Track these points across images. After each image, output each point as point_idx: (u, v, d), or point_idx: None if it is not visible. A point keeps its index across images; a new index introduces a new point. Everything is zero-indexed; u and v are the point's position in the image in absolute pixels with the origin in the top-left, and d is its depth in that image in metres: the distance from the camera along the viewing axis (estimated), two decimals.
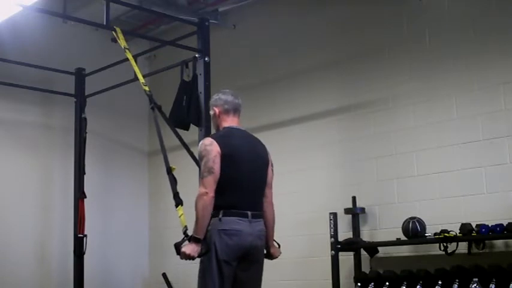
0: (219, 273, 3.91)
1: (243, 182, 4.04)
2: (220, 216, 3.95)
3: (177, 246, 3.95)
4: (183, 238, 4.02)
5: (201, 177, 3.97)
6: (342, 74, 6.63)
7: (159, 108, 5.40)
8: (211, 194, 3.89)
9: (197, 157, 4.23)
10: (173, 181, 4.64)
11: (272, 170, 4.30)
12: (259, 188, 4.18)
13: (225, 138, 4.10)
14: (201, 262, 4.01)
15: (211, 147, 3.99)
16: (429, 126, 5.91)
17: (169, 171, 4.71)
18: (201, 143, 4.12)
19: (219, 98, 4.30)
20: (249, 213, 4.02)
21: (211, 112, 4.32)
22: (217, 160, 3.95)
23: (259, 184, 4.18)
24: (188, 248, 3.90)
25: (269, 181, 4.25)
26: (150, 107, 5.38)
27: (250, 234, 4.00)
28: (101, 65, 7.08)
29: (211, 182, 3.91)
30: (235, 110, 4.28)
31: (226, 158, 3.98)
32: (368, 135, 6.34)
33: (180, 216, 4.28)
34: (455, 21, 5.88)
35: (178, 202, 4.46)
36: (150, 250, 8.30)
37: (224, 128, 4.22)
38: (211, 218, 3.94)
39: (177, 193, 4.52)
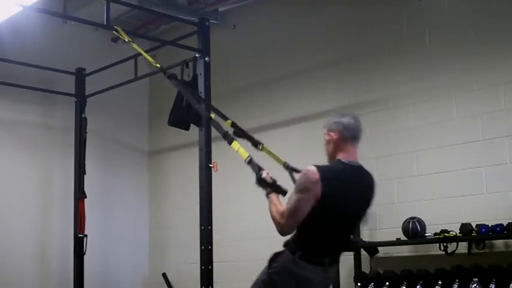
0: None
1: (335, 229, 3.55)
2: (296, 257, 3.49)
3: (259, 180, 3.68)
4: (256, 168, 3.74)
5: (287, 208, 3.46)
6: (342, 74, 6.63)
7: (175, 77, 5.35)
8: (285, 235, 3.50)
9: (295, 182, 3.69)
10: (217, 125, 4.45)
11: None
12: (349, 235, 3.75)
13: (334, 175, 3.48)
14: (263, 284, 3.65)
15: (313, 185, 3.40)
16: (429, 126, 5.91)
17: (210, 118, 4.61)
18: (306, 171, 3.47)
19: (339, 122, 3.62)
20: (327, 260, 3.56)
21: (326, 137, 3.67)
22: (309, 206, 3.41)
23: (350, 232, 3.77)
24: (261, 186, 3.66)
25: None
26: (166, 76, 5.28)
27: (319, 283, 3.59)
28: (101, 65, 7.09)
29: (291, 224, 3.45)
30: (356, 138, 3.61)
31: (325, 200, 3.42)
32: (368, 135, 6.31)
33: (238, 150, 4.00)
34: (455, 21, 5.88)
35: (231, 138, 4.21)
36: (150, 250, 8.30)
37: (338, 161, 3.58)
38: (285, 248, 3.56)
39: (226, 132, 4.30)
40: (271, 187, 3.65)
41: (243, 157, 3.84)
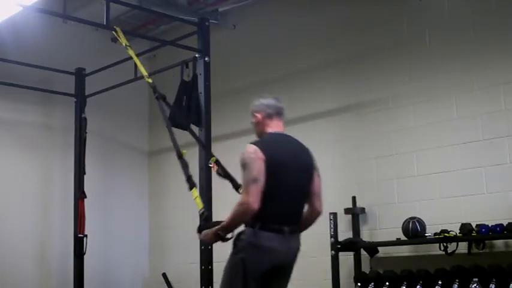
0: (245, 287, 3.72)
1: (285, 194, 3.76)
2: (256, 229, 3.70)
3: (201, 228, 3.88)
4: (203, 223, 3.94)
5: (245, 185, 3.69)
6: (342, 74, 6.63)
7: (164, 98, 5.39)
8: (255, 205, 3.62)
9: (240, 165, 3.81)
10: (185, 165, 4.53)
11: (319, 176, 3.99)
12: (302, 198, 3.91)
13: (269, 145, 3.80)
14: (227, 272, 3.80)
15: (255, 155, 3.69)
16: (429, 126, 5.91)
17: (180, 155, 4.62)
18: (244, 150, 3.77)
19: (260, 104, 3.99)
20: (286, 228, 3.76)
21: (253, 120, 4.00)
22: (263, 169, 3.66)
23: (302, 195, 3.90)
24: (206, 238, 3.86)
25: (316, 190, 3.94)
26: (155, 97, 5.34)
27: (284, 252, 3.79)
28: (101, 65, 7.09)
29: (256, 192, 3.63)
30: (279, 114, 3.97)
31: (269, 166, 3.69)
32: (368, 135, 6.34)
33: (195, 199, 4.18)
34: (455, 21, 5.89)
35: (192, 185, 4.38)
36: (150, 250, 8.30)
37: (268, 133, 3.92)
38: (246, 226, 3.75)
39: (190, 176, 4.42)
40: (214, 224, 3.85)
41: (198, 207, 4.08)
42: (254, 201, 3.63)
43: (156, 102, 5.40)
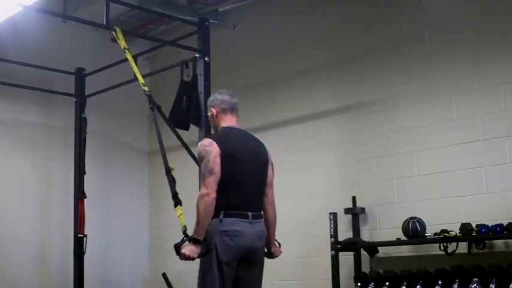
0: (219, 274, 3.91)
1: (243, 183, 4.01)
2: (221, 217, 3.92)
3: (177, 247, 3.95)
4: (183, 238, 4.02)
5: (202, 178, 3.94)
6: (342, 74, 6.63)
7: (159, 108, 5.48)
8: (213, 195, 3.87)
9: (197, 158, 4.18)
10: (172, 181, 4.71)
11: (272, 169, 4.27)
12: (260, 188, 4.16)
13: (224, 138, 4.07)
14: (201, 262, 4.00)
15: (210, 147, 3.96)
16: (429, 126, 5.91)
17: (168, 171, 4.78)
18: (200, 143, 4.09)
19: (216, 99, 4.29)
20: (250, 214, 4.01)
21: (209, 113, 4.31)
22: (218, 161, 3.92)
23: (260, 184, 4.15)
24: (188, 249, 3.90)
25: (270, 180, 4.22)
26: (150, 107, 5.43)
27: (251, 235, 3.99)
28: (101, 65, 7.08)
29: (212, 182, 3.88)
30: (233, 109, 4.25)
31: (226, 158, 3.95)
32: (368, 135, 6.34)
33: (179, 216, 4.33)
34: (455, 21, 5.88)
35: (178, 202, 4.54)
36: (150, 250, 8.30)
37: (223, 128, 4.19)
38: (211, 218, 3.92)
39: (176, 193, 4.59)
40: (187, 240, 3.98)
41: (181, 224, 4.18)
42: (211, 191, 3.86)
43: (151, 112, 5.43)
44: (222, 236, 3.91)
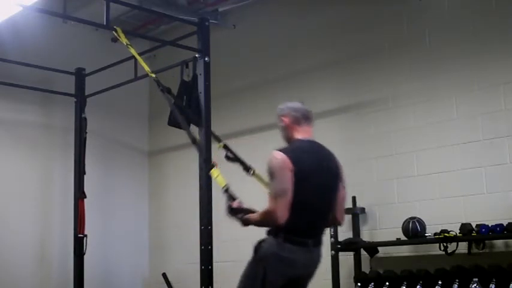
0: None
1: (310, 206, 3.67)
2: (280, 240, 3.62)
3: (230, 208, 3.86)
4: (229, 198, 3.91)
5: (273, 196, 3.59)
6: (342, 74, 6.63)
7: (169, 91, 5.42)
8: (283, 219, 3.56)
9: (266, 171, 3.72)
10: (200, 148, 4.53)
11: (344, 186, 3.90)
12: (327, 211, 3.83)
13: (296, 153, 3.68)
14: (245, 276, 3.77)
15: (284, 164, 3.58)
16: (429, 126, 5.91)
17: (194, 141, 4.65)
18: (271, 157, 3.65)
19: (286, 107, 3.88)
20: (311, 241, 3.71)
21: (280, 124, 3.89)
22: (290, 180, 3.57)
23: (327, 207, 3.81)
24: (232, 214, 3.82)
25: (340, 201, 3.87)
26: (160, 90, 5.36)
27: (305, 264, 3.74)
28: (101, 65, 7.08)
29: (284, 205, 3.55)
30: (307, 118, 3.85)
31: (297, 177, 3.59)
32: (368, 135, 6.34)
33: (216, 178, 4.13)
34: (455, 21, 5.89)
35: (212, 165, 4.33)
36: (150, 250, 8.30)
37: (296, 140, 3.80)
38: (269, 233, 3.69)
39: (207, 158, 4.39)
40: (243, 211, 3.81)
41: (221, 185, 3.98)
42: (282, 214, 3.56)
43: (162, 95, 5.38)
44: (276, 260, 3.64)
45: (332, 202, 3.82)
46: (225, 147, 4.74)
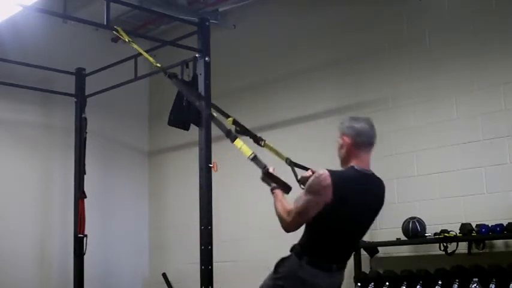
0: None
1: (343, 235, 3.50)
2: (304, 262, 3.45)
3: (266, 175, 3.68)
4: (261, 165, 3.72)
5: (296, 206, 3.43)
6: (342, 74, 6.63)
7: (175, 76, 5.35)
8: (289, 232, 3.44)
9: (306, 184, 3.54)
10: (219, 122, 4.31)
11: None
12: (358, 240, 3.72)
13: (345, 182, 3.42)
14: None
15: (324, 190, 3.35)
16: (429, 126, 5.91)
17: (212, 116, 4.51)
18: (319, 174, 3.41)
19: (351, 126, 3.57)
20: (335, 266, 3.53)
21: (340, 141, 3.60)
22: (319, 208, 3.37)
23: (360, 236, 3.69)
24: (267, 181, 3.67)
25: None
26: (167, 76, 5.27)
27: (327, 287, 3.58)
28: (101, 65, 7.09)
29: (296, 222, 3.42)
30: (369, 144, 3.59)
31: (335, 206, 3.36)
32: None
33: (240, 148, 3.92)
34: (455, 21, 5.88)
35: (234, 136, 4.08)
36: (150, 250, 8.30)
37: (351, 167, 3.52)
38: (292, 253, 3.52)
39: (230, 130, 4.19)
40: (277, 183, 3.64)
41: (247, 154, 3.77)
42: (291, 228, 3.43)
43: (169, 80, 5.30)
44: (297, 282, 3.46)
45: (365, 230, 3.67)
46: (235, 122, 4.68)
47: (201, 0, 7.22)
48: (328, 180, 3.35)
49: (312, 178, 3.45)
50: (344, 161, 3.59)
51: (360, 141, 3.54)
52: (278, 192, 3.61)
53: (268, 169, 3.68)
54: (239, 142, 3.99)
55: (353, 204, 3.43)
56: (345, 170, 3.54)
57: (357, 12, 6.56)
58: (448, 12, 5.95)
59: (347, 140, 3.55)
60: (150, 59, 5.49)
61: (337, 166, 6.68)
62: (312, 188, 3.40)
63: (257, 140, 4.43)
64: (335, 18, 6.73)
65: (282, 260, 3.57)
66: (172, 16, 6.85)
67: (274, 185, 3.65)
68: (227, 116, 4.77)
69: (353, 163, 3.53)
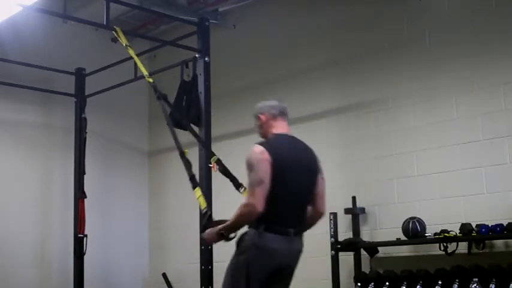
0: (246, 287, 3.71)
1: (290, 196, 3.76)
2: (261, 230, 3.68)
3: (204, 227, 3.92)
4: (207, 219, 3.97)
5: (250, 187, 3.69)
6: (342, 74, 6.63)
7: (165, 98, 5.43)
8: (260, 208, 3.62)
9: (246, 165, 3.79)
10: (187, 164, 4.55)
11: (322, 178, 4.01)
12: (306, 200, 3.91)
13: (275, 146, 3.79)
14: (229, 270, 3.81)
15: (262, 156, 3.69)
16: (429, 126, 5.91)
17: (183, 155, 4.64)
18: (250, 151, 3.76)
19: (264, 105, 4.01)
20: (292, 230, 3.76)
21: (257, 122, 4.00)
22: (269, 171, 3.66)
23: (307, 196, 3.90)
24: (209, 237, 3.85)
25: (320, 192, 3.96)
26: (156, 96, 5.37)
27: (288, 254, 3.80)
28: (101, 65, 7.09)
29: (261, 194, 3.63)
30: (283, 114, 3.99)
31: (275, 168, 3.68)
32: (368, 135, 6.34)
33: (198, 198, 4.20)
34: (455, 21, 5.88)
35: (196, 184, 4.40)
36: (150, 250, 8.30)
37: (274, 134, 3.92)
38: (250, 227, 3.73)
39: (193, 175, 4.46)
40: (217, 223, 3.85)
41: (202, 206, 4.05)
42: (259, 203, 3.62)
43: (157, 101, 5.41)
44: (258, 251, 3.69)
45: (311, 193, 3.91)
46: (218, 161, 4.80)
47: (201, 0, 7.22)
48: (260, 148, 3.74)
49: (246, 157, 3.75)
50: (265, 135, 3.98)
51: (274, 112, 3.96)
52: (225, 224, 3.79)
53: (206, 225, 3.90)
54: (198, 191, 4.27)
55: (288, 160, 3.76)
56: (269, 138, 3.92)
57: (357, 12, 6.56)
58: (448, 12, 5.96)
59: (263, 117, 3.97)
60: (144, 72, 5.52)
61: (338, 167, 6.71)
62: (251, 161, 3.71)
63: (237, 186, 4.57)
64: (335, 18, 6.73)
65: (242, 236, 3.77)
66: (172, 16, 6.85)
67: (217, 227, 3.82)
68: (212, 154, 4.86)
69: (273, 132, 3.93)
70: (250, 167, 3.72)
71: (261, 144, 3.81)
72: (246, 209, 3.67)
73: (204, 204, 4.09)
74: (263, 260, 3.70)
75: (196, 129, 5.90)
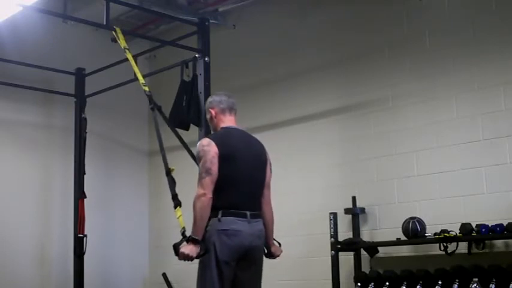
0: (218, 274, 3.92)
1: (241, 182, 4.03)
2: (219, 216, 3.94)
3: (176, 247, 3.96)
4: (182, 239, 4.03)
5: (199, 178, 3.95)
6: (342, 74, 6.63)
7: (159, 109, 5.49)
8: (209, 195, 3.90)
9: (196, 158, 4.15)
10: (172, 182, 4.70)
11: (270, 170, 4.29)
12: (258, 187, 4.18)
13: (223, 138, 4.09)
14: (200, 262, 4.01)
15: (209, 147, 3.99)
16: (429, 126, 5.91)
17: (168, 172, 4.77)
18: (198, 143, 4.10)
19: (213, 100, 4.31)
20: (248, 213, 4.02)
21: (208, 116, 4.32)
22: (215, 161, 3.95)
23: (258, 184, 4.18)
24: (186, 248, 3.90)
25: (267, 181, 4.25)
26: (150, 108, 5.42)
27: (249, 234, 4.01)
28: (101, 65, 7.08)
29: (208, 183, 3.91)
30: (231, 109, 4.28)
31: (224, 158, 3.97)
32: (368, 135, 6.34)
33: (178, 218, 4.33)
34: (455, 21, 5.88)
35: (177, 203, 4.52)
36: (150, 250, 8.30)
37: (222, 128, 4.21)
38: (210, 218, 3.94)
39: (176, 195, 4.58)
40: (185, 240, 3.97)
41: (180, 225, 4.17)
42: (208, 190, 3.89)
43: (151, 112, 5.42)
44: (221, 235, 3.93)
45: (261, 180, 4.19)
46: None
47: (201, 0, 7.22)
48: (207, 140, 4.05)
49: (196, 151, 4.06)
50: (215, 128, 4.27)
51: (223, 107, 4.25)
52: (191, 236, 3.93)
53: (180, 248, 3.95)
54: (179, 211, 4.42)
55: (236, 149, 4.05)
56: (217, 131, 4.22)
57: (357, 12, 6.56)
58: (448, 12, 5.95)
59: (213, 111, 4.27)
60: (141, 79, 5.51)
61: (337, 167, 6.71)
62: (200, 153, 4.00)
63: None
64: (335, 18, 6.73)
65: (204, 232, 3.94)
66: (172, 16, 6.85)
67: (184, 242, 3.97)
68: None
69: (222, 125, 4.22)
70: (199, 158, 4.00)
71: (208, 136, 4.21)
72: (198, 201, 3.89)
73: (182, 224, 4.18)
74: (228, 241, 3.92)
75: (196, 129, 5.91)
